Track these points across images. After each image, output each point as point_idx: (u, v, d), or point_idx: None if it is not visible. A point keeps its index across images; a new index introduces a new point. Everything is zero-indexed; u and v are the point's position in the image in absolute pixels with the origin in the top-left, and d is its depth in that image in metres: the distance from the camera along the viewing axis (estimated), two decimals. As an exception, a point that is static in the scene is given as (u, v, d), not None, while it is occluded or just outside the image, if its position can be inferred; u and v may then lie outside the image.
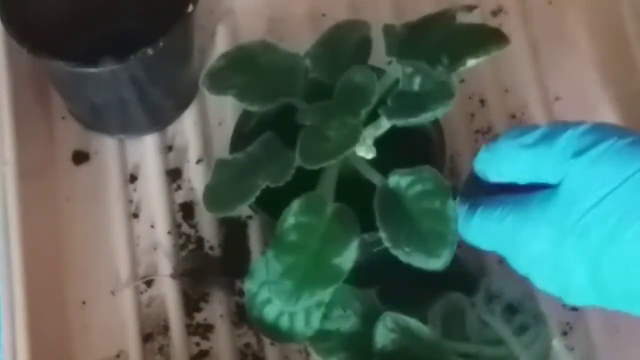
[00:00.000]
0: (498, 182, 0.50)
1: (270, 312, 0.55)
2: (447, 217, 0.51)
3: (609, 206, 0.44)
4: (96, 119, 0.70)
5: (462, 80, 0.70)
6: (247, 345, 0.65)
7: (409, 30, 0.56)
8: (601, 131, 0.46)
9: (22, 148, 0.66)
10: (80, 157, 0.70)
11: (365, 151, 0.54)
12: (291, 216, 0.53)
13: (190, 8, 0.60)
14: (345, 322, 0.56)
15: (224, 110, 0.71)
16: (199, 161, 0.69)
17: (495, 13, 0.74)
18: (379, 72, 0.56)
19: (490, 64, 0.72)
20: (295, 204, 0.53)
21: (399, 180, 0.53)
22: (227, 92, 0.56)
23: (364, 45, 0.58)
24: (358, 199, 0.53)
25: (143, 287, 0.67)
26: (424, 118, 0.51)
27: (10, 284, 0.62)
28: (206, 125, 0.71)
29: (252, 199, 0.53)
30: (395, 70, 0.54)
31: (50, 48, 0.59)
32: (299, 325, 0.55)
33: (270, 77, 0.57)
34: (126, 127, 0.70)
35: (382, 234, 0.51)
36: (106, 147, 0.70)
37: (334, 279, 0.52)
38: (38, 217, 0.66)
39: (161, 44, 0.59)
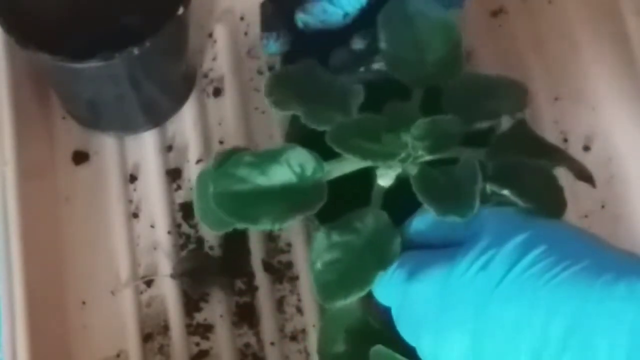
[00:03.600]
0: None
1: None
2: None
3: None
4: (91, 117, 0.70)
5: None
6: (247, 345, 0.65)
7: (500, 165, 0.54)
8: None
9: (22, 148, 0.66)
10: (80, 157, 0.70)
11: (385, 180, 0.53)
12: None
13: (181, 10, 0.60)
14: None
15: (224, 109, 0.71)
16: (199, 161, 0.69)
17: (495, 13, 0.74)
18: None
19: (490, 64, 0.72)
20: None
21: None
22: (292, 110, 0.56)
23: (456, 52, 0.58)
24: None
25: (143, 287, 0.67)
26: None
27: (10, 284, 0.62)
28: (206, 124, 0.71)
29: None
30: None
31: (51, 45, 0.59)
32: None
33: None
34: (122, 124, 0.70)
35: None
36: (106, 147, 0.70)
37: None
38: (38, 217, 0.65)
39: (148, 44, 0.59)
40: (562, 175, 0.66)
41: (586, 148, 0.70)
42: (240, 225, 0.52)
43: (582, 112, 0.71)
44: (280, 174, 0.52)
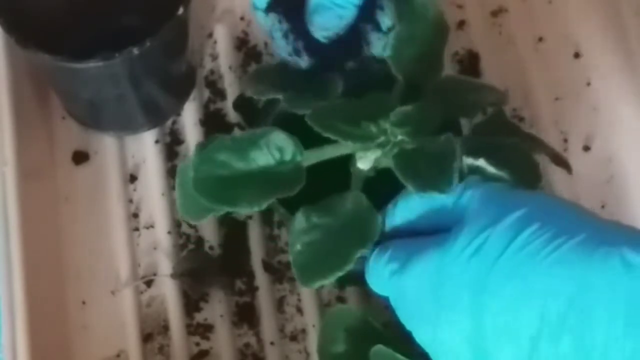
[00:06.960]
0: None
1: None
2: None
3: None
4: (91, 117, 0.70)
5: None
6: (247, 345, 0.65)
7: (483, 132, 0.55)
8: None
9: (22, 148, 0.66)
10: (80, 157, 0.70)
11: (364, 163, 0.54)
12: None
13: (181, 10, 0.60)
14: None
15: (225, 109, 0.71)
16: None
17: (495, 13, 0.74)
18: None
19: (490, 63, 0.72)
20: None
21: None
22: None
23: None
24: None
25: (143, 287, 0.67)
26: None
27: (10, 284, 0.62)
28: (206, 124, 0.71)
29: None
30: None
31: (51, 45, 0.59)
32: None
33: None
34: (122, 124, 0.70)
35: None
36: (106, 147, 0.70)
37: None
38: (38, 217, 0.65)
39: (148, 44, 0.59)
40: (562, 176, 0.67)
41: (586, 148, 0.70)
42: (218, 210, 0.52)
43: (582, 112, 0.71)
44: (259, 158, 0.52)
